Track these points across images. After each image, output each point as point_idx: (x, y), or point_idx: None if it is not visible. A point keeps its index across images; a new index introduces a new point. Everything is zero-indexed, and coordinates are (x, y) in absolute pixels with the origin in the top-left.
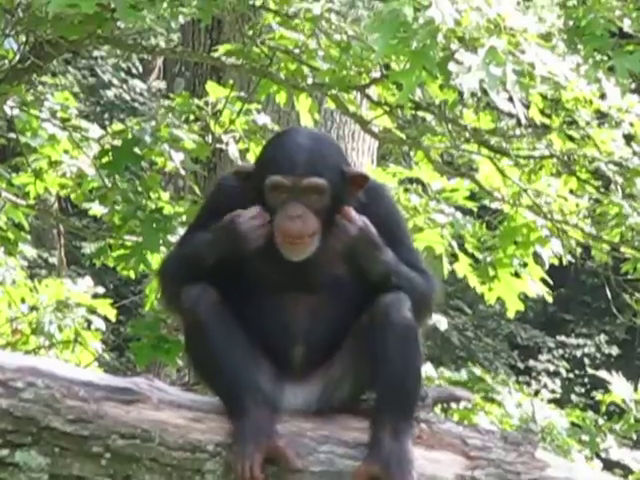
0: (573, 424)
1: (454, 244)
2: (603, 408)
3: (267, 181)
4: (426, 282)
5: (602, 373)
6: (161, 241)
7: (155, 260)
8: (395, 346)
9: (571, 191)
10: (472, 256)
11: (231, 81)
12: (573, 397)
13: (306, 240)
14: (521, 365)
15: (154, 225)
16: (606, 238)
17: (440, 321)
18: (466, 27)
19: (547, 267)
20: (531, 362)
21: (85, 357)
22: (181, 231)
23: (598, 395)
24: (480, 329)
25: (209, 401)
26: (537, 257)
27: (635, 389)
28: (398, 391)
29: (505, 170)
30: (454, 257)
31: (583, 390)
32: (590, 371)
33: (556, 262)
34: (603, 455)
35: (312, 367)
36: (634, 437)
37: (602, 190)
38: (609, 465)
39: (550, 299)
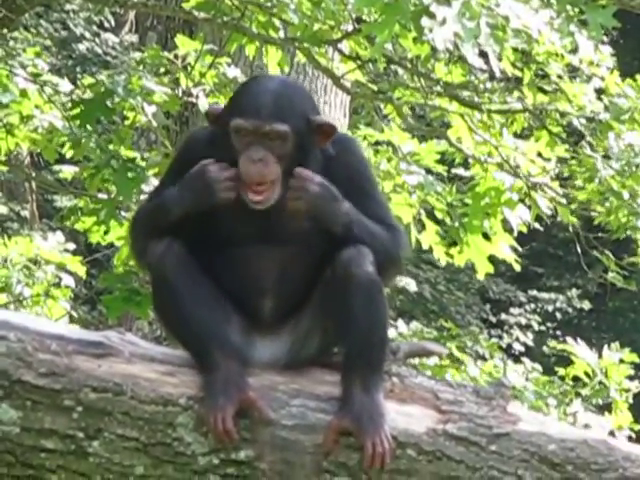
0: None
1: (422, 212)
2: (567, 379)
3: (232, 124)
4: (393, 236)
5: (568, 341)
6: (135, 190)
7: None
8: (358, 301)
9: (539, 155)
10: (441, 222)
11: (202, 34)
12: (545, 349)
13: (268, 186)
14: (493, 319)
15: (128, 174)
16: (575, 196)
17: (409, 283)
18: None
19: (516, 233)
20: (503, 316)
21: (56, 312)
22: (155, 181)
23: (560, 370)
24: (452, 283)
25: (181, 355)
26: (506, 224)
27: (599, 356)
28: (364, 345)
29: (476, 128)
30: (422, 225)
31: (555, 343)
32: (562, 327)
33: (524, 230)
34: (570, 420)
35: (281, 321)
36: (600, 402)
37: (573, 146)
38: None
39: (518, 267)
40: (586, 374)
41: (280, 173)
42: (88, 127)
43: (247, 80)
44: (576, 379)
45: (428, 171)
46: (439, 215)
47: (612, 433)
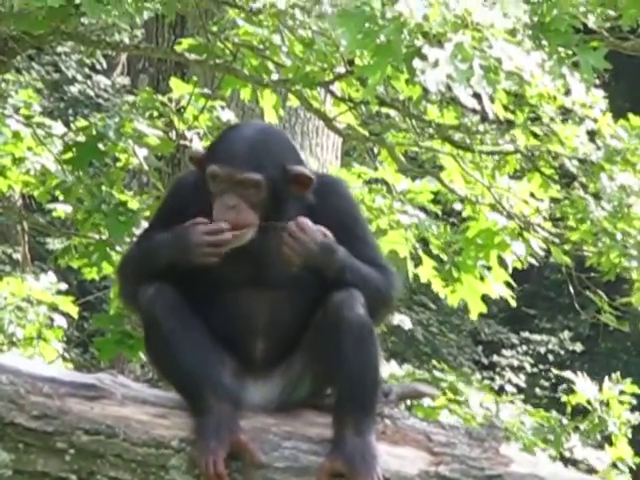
0: (537, 423)
1: (418, 247)
2: (569, 409)
3: (207, 170)
4: (384, 277)
5: (567, 373)
6: (126, 234)
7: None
8: (349, 344)
9: (532, 195)
10: (437, 257)
11: (195, 77)
12: (537, 391)
13: (238, 230)
14: (485, 360)
15: (119, 218)
16: (568, 237)
17: (404, 320)
18: (433, 21)
19: (510, 271)
20: (495, 357)
21: (48, 353)
22: (146, 223)
23: (563, 396)
24: (444, 325)
25: (173, 397)
26: (501, 260)
27: (600, 389)
28: (356, 388)
29: (468, 169)
30: (418, 260)
31: (547, 384)
32: (554, 368)
33: (519, 266)
34: (567, 454)
35: (273, 363)
36: (598, 437)
37: (565, 188)
38: (573, 464)
39: (514, 303)
40: (588, 402)
41: (254, 219)
42: (80, 172)
43: (228, 127)
44: (575, 412)
45: (423, 209)
46: (434, 250)
47: (615, 465)
